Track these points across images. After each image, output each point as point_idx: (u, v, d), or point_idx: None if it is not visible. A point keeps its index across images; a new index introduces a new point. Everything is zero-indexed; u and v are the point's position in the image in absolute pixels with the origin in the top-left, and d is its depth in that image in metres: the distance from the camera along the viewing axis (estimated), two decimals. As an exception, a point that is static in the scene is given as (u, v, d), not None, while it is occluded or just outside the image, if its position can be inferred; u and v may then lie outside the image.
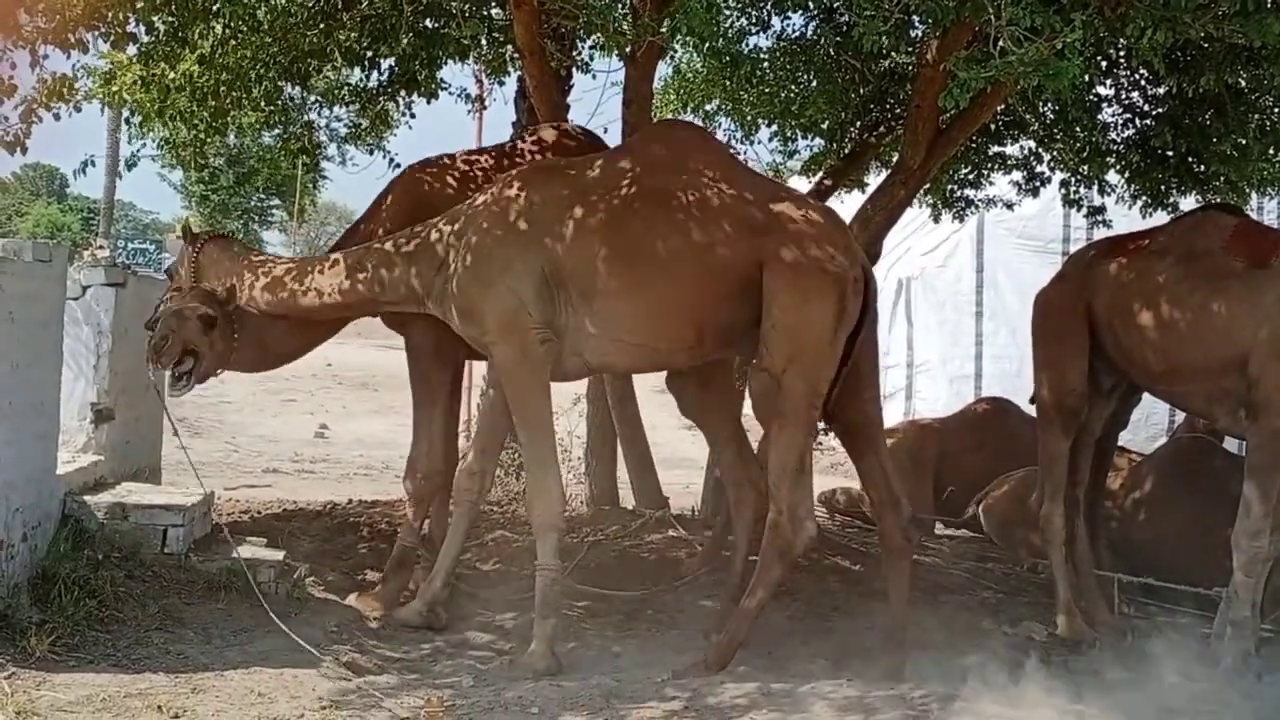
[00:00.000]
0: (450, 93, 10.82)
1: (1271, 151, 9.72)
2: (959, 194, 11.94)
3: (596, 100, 11.53)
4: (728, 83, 10.50)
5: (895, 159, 10.07)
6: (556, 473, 7.00)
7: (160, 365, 7.15)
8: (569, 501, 12.24)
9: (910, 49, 9.19)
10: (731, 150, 9.13)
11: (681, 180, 6.88)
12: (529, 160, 8.14)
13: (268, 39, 8.64)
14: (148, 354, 7.22)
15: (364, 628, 7.13)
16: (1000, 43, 5.98)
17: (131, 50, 8.73)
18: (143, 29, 8.13)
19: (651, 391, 10.93)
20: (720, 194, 6.87)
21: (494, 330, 6.85)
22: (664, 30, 8.20)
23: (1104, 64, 9.61)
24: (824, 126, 11.10)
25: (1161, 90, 9.82)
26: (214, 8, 8.11)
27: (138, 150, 10.96)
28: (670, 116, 11.18)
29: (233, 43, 8.65)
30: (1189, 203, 10.45)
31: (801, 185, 10.82)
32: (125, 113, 10.35)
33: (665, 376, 8.07)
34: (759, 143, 11.52)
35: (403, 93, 10.44)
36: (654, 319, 6.85)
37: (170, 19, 8.14)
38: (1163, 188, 10.41)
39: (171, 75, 9.02)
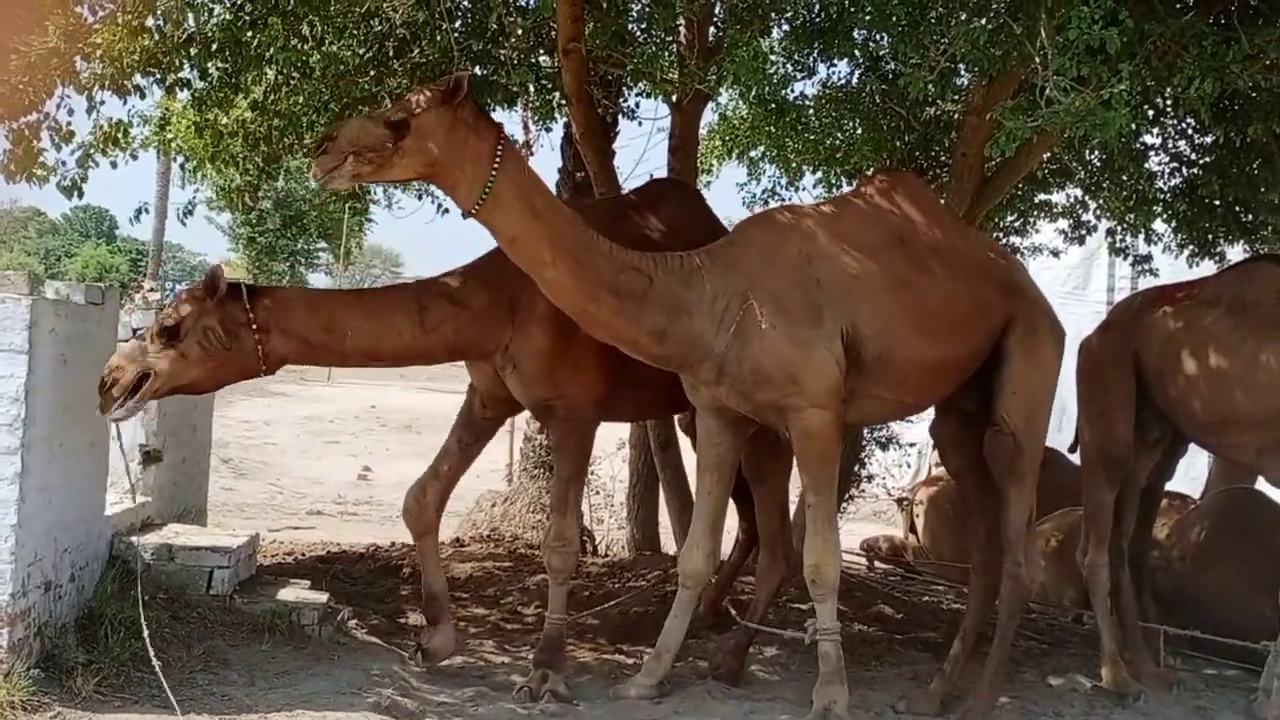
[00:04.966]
0: (497, 139, 10.87)
1: (1320, 201, 9.67)
2: (1004, 241, 11.93)
3: (643, 146, 11.64)
4: (773, 129, 10.57)
5: (941, 206, 10.07)
6: (839, 535, 6.65)
7: None
8: (610, 548, 12.33)
9: (956, 97, 9.21)
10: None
11: (937, 236, 6.80)
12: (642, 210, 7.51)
13: (320, 85, 8.73)
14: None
15: (406, 671, 7.13)
16: (1047, 92, 6.00)
17: (184, 96, 8.86)
18: (197, 75, 8.26)
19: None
20: (975, 251, 6.97)
21: (811, 393, 6.23)
22: (711, 78, 8.23)
23: (1151, 112, 9.60)
24: (869, 173, 11.12)
25: (1209, 139, 9.82)
26: (267, 55, 8.21)
27: (193, 197, 11.05)
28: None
29: (285, 89, 8.76)
30: (1236, 252, 10.43)
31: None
32: (178, 159, 10.43)
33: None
34: (804, 189, 11.57)
35: (451, 138, 10.47)
36: (938, 378, 6.77)
37: (224, 65, 8.26)
38: (1210, 237, 10.39)
39: (225, 121, 9.14)
